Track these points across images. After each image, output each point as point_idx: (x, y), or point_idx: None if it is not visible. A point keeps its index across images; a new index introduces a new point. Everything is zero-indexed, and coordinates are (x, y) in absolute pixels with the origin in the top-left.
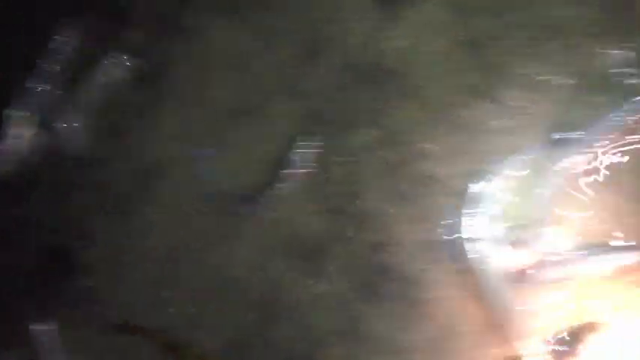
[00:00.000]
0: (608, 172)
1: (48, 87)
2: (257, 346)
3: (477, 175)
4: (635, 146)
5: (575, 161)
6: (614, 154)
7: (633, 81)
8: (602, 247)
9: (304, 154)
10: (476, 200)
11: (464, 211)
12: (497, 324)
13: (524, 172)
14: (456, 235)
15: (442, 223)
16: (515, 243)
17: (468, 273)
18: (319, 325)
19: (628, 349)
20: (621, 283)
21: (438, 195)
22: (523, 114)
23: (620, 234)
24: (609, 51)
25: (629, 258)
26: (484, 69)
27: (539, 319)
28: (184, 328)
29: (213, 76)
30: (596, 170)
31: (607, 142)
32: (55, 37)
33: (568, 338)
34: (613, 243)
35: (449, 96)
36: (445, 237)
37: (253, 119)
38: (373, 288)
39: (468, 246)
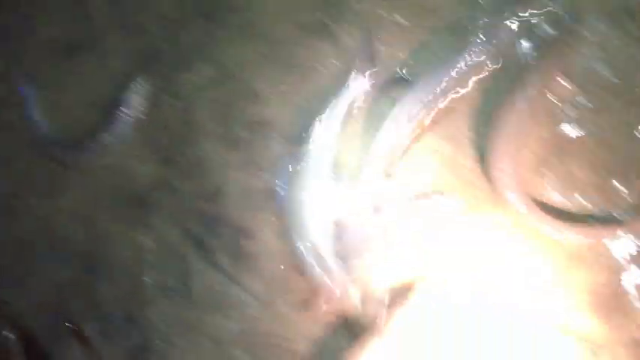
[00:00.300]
0: (441, 117)
1: None
2: (77, 305)
3: (310, 118)
4: (467, 92)
5: (411, 105)
6: (447, 98)
7: (478, 25)
8: (428, 195)
9: (137, 96)
10: (308, 145)
11: (296, 156)
12: (325, 277)
13: (359, 116)
14: (288, 183)
15: (274, 169)
16: (344, 190)
17: (297, 223)
18: (146, 281)
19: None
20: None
21: (270, 140)
22: (361, 54)
23: (445, 182)
24: None
25: (450, 207)
26: (323, 6)
27: (367, 273)
28: None
29: (42, 9)
30: (429, 114)
31: (445, 86)
32: None
33: (392, 295)
34: (437, 192)
35: (286, 33)
36: (278, 185)
37: (84, 56)
38: (204, 240)
39: (299, 194)
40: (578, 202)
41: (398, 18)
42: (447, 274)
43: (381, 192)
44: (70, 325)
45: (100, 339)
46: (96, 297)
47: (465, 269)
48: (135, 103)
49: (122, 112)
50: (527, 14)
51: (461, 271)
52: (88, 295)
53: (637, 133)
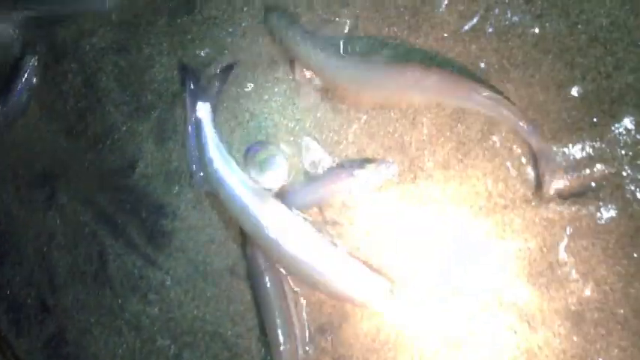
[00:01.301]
0: None
1: None
2: None
3: None
4: None
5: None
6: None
7: None
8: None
9: (33, 64)
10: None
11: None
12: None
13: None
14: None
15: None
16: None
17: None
18: (58, 266)
19: None
20: None
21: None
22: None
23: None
24: None
25: (380, 175)
26: None
27: None
28: None
29: None
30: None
31: None
32: None
33: None
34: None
35: None
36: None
37: None
38: (118, 220)
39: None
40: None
41: None
42: (379, 243)
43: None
44: None
45: (12, 330)
46: (4, 286)
47: (395, 237)
48: (31, 72)
49: (17, 81)
50: None
51: (391, 240)
52: None
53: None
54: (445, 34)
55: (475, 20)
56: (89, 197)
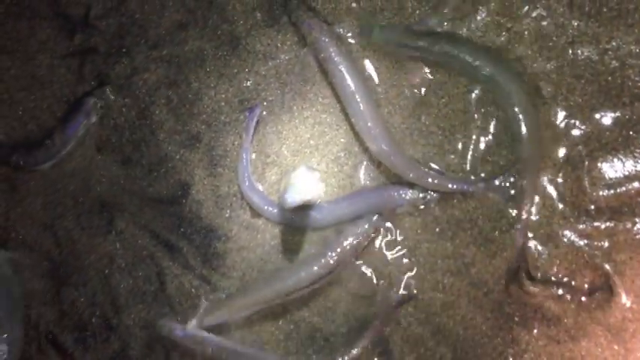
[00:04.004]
0: None
1: None
2: (50, 315)
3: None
4: None
5: None
6: None
7: None
8: None
9: (93, 99)
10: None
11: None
12: None
13: None
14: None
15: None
16: None
17: None
18: (119, 287)
19: None
20: None
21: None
22: None
23: None
24: None
25: None
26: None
27: None
28: None
29: None
30: None
31: None
32: None
33: None
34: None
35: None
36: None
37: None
38: (173, 243)
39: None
40: None
41: None
42: None
43: None
44: (49, 336)
45: (78, 348)
46: (69, 306)
47: None
48: (91, 107)
49: (78, 115)
50: None
51: None
52: (60, 304)
53: None
54: None
55: None
56: (146, 222)
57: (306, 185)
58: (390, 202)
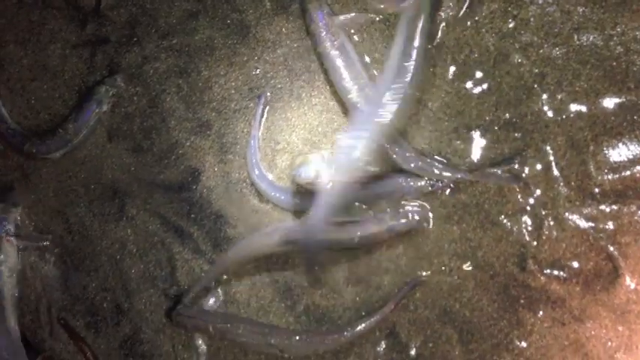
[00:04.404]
0: None
1: None
2: (63, 300)
3: None
4: None
5: None
6: None
7: None
8: None
9: (104, 86)
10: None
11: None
12: None
13: None
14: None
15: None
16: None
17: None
18: (131, 272)
19: None
20: None
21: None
22: None
23: None
24: None
25: None
26: None
27: None
28: None
29: None
30: None
31: None
32: None
33: None
34: None
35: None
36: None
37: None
38: (184, 228)
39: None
40: None
41: None
42: None
43: None
44: (61, 320)
45: (90, 332)
46: (81, 291)
47: None
48: (102, 95)
49: (90, 104)
50: None
51: None
52: (72, 289)
53: None
54: None
55: None
56: (157, 208)
57: (321, 165)
58: (398, 191)
